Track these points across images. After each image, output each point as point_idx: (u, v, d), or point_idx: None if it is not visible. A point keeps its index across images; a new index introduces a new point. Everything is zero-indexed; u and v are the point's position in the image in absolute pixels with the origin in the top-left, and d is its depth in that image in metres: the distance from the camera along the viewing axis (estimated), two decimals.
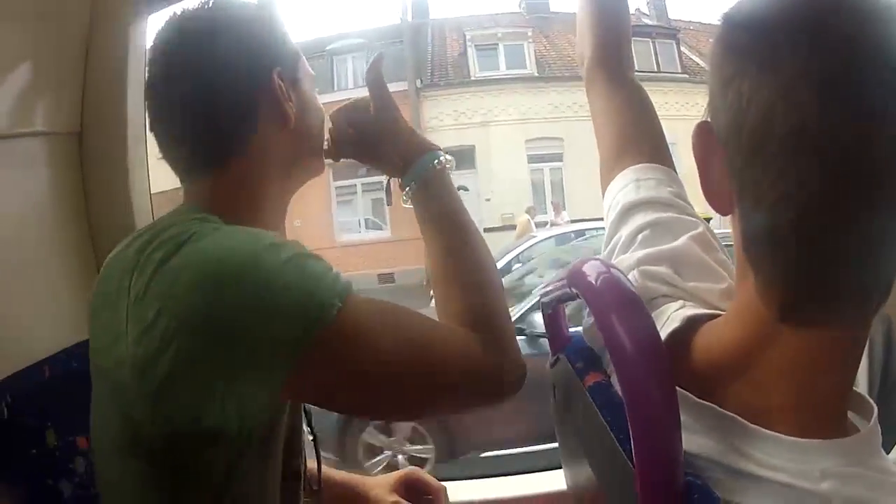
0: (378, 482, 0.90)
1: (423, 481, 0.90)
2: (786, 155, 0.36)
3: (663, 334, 0.46)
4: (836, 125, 0.34)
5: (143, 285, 0.54)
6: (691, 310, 0.48)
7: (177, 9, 0.67)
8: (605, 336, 0.46)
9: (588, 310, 0.53)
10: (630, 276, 0.54)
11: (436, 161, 0.71)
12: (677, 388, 0.42)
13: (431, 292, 0.81)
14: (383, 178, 0.78)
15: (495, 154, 9.53)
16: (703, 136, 0.42)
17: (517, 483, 1.32)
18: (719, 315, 0.47)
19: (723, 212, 0.42)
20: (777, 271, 0.39)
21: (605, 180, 0.68)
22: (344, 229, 9.92)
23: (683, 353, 0.46)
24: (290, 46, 0.69)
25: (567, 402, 0.64)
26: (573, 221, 8.70)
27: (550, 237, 7.90)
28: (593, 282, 0.49)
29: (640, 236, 0.59)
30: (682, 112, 10.66)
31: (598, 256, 0.62)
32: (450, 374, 0.61)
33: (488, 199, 9.39)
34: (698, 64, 11.45)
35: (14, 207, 0.92)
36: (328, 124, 0.74)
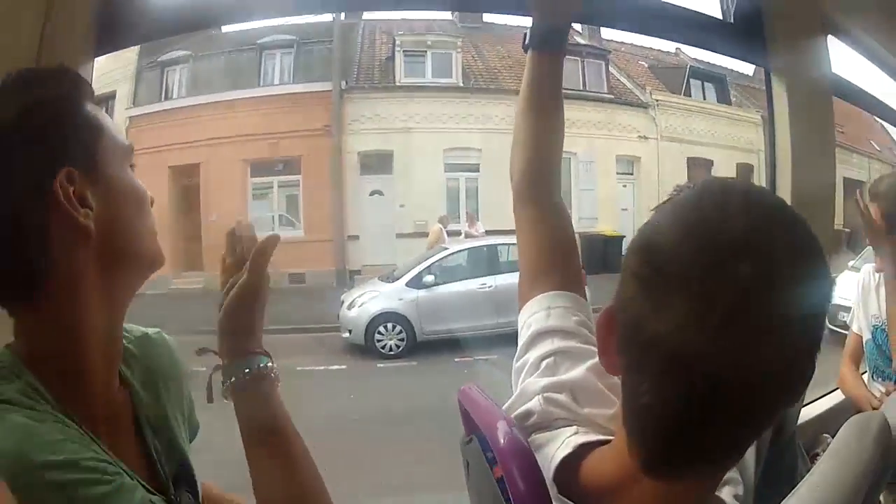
0: None
1: None
2: (655, 373, 0.44)
3: (557, 456, 0.57)
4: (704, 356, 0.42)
5: None
6: (583, 436, 0.59)
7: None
8: (506, 476, 0.58)
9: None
10: (535, 400, 0.64)
11: (247, 370, 0.65)
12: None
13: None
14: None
15: (413, 161, 9.66)
16: (607, 319, 0.51)
17: None
18: (607, 441, 0.57)
19: (612, 372, 0.52)
20: (642, 438, 0.48)
21: (523, 297, 0.77)
22: (258, 225, 9.82)
23: (573, 477, 0.56)
24: (82, 130, 0.59)
25: (478, 482, 0.72)
26: (487, 233, 8.90)
27: (463, 250, 8.09)
28: (501, 440, 0.61)
29: (544, 362, 0.68)
30: (603, 132, 11.04)
31: (503, 413, 0.72)
32: None
33: (402, 206, 9.53)
34: (625, 85, 11.85)
35: None
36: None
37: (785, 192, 1.54)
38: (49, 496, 0.48)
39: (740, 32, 1.53)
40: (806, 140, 1.54)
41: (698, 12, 1.53)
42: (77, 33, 1.14)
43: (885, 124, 11.67)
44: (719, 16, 1.57)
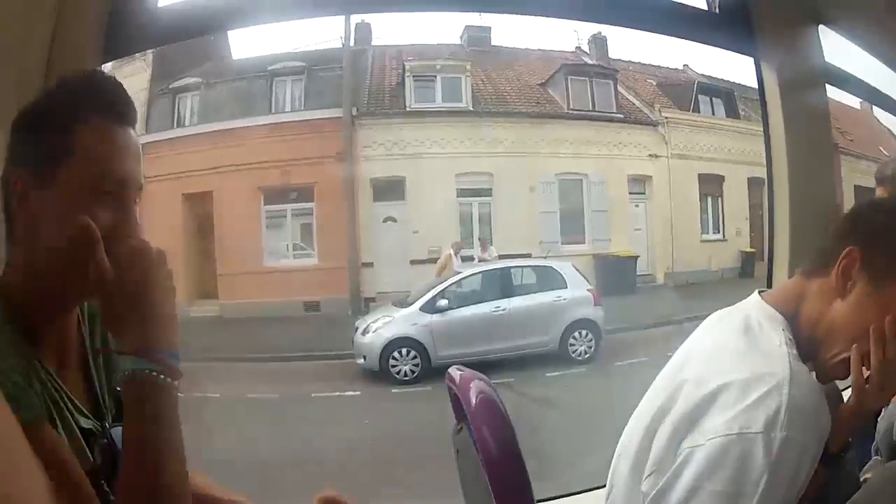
0: None
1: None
2: None
3: None
4: None
5: None
6: None
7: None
8: (478, 443, 0.61)
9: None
10: None
11: (147, 370, 0.68)
12: None
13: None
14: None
15: (426, 186, 9.67)
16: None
17: None
18: None
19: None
20: None
21: None
22: (272, 254, 9.90)
23: None
24: (50, 140, 0.71)
25: (467, 469, 0.75)
26: (501, 257, 8.89)
27: (477, 273, 8.11)
28: (473, 399, 0.61)
29: None
30: (614, 151, 11.04)
31: (481, 376, 0.77)
32: None
33: (416, 232, 9.54)
34: (634, 104, 11.85)
35: None
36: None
37: (781, 171, 1.55)
38: None
39: (726, 23, 1.54)
40: (801, 123, 1.54)
41: (683, 4, 1.55)
42: (86, 38, 1.17)
43: (893, 129, 11.76)
44: (704, 6, 1.59)
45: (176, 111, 10.84)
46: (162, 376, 0.68)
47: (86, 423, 0.72)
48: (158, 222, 9.89)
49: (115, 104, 0.73)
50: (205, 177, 9.81)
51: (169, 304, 0.72)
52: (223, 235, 9.55)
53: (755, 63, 1.62)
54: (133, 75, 10.55)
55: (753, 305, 0.88)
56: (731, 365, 0.77)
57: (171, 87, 10.96)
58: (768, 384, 0.73)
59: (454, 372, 0.77)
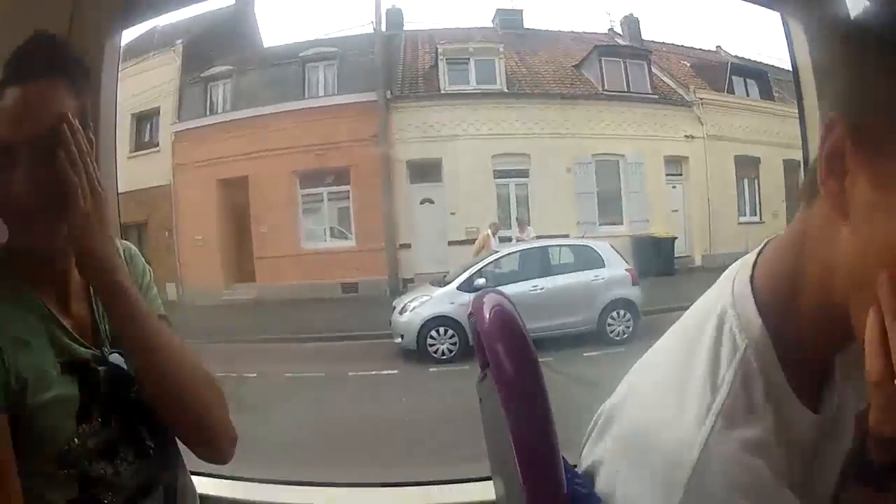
0: None
1: None
2: None
3: None
4: None
5: None
6: None
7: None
8: (491, 359, 0.52)
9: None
10: None
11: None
12: None
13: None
14: None
15: (462, 168, 9.63)
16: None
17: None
18: None
19: None
20: None
21: None
22: (309, 237, 9.92)
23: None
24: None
25: (489, 417, 0.69)
26: (538, 238, 8.81)
27: (515, 252, 8.08)
28: (486, 313, 0.54)
29: None
30: (650, 133, 10.89)
31: (498, 289, 0.68)
32: None
33: (453, 213, 9.51)
34: (668, 85, 11.68)
35: None
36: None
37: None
38: None
39: None
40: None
41: None
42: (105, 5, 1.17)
43: None
44: None
45: (208, 99, 10.93)
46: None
47: (84, 353, 0.78)
48: (194, 208, 10.00)
49: (20, 61, 0.76)
50: (240, 162, 9.88)
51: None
52: (260, 219, 9.61)
53: (787, 40, 1.48)
54: (163, 66, 10.68)
55: (726, 298, 0.57)
56: (639, 412, 0.56)
57: (202, 76, 11.05)
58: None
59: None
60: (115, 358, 0.81)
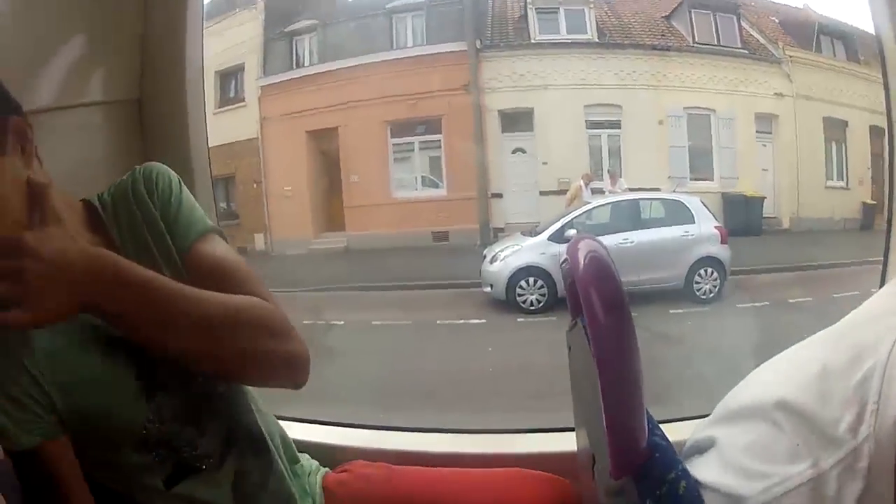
0: None
1: None
2: None
3: None
4: None
5: None
6: None
7: None
8: (584, 305, 0.51)
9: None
10: None
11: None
12: None
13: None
14: None
15: (553, 118, 9.54)
16: None
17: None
18: None
19: None
20: None
21: None
22: (400, 186, 10.02)
23: None
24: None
25: (578, 366, 0.67)
26: (630, 190, 8.72)
27: (606, 204, 8.00)
28: (581, 258, 0.55)
29: None
30: (740, 88, 10.59)
31: (594, 237, 0.66)
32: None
33: (545, 163, 9.43)
34: (758, 41, 11.31)
35: (74, 176, 0.93)
36: None
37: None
38: None
39: None
40: None
41: None
42: None
43: None
44: None
45: (294, 53, 11.03)
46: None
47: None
48: (282, 160, 10.20)
49: None
50: (329, 114, 9.97)
51: None
52: (350, 169, 9.74)
53: (870, 7, 1.35)
54: (246, 23, 10.81)
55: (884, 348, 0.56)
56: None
57: (286, 30, 11.15)
58: None
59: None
60: None
